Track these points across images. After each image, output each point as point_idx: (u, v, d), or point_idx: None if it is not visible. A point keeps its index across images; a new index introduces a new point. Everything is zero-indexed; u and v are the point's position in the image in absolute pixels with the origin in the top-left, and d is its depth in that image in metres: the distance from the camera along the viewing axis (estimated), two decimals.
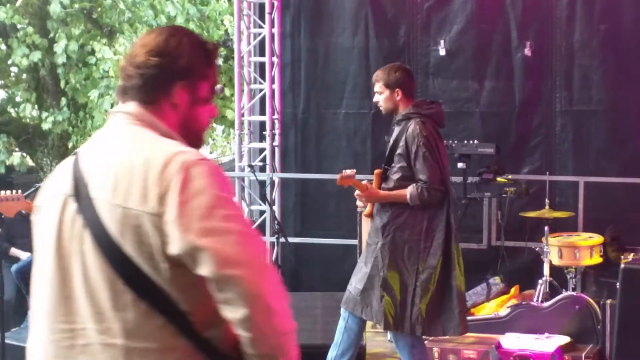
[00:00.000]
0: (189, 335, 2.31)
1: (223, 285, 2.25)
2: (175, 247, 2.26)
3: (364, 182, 5.70)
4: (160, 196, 2.28)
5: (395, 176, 5.62)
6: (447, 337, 6.63)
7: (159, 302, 2.31)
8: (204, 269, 2.25)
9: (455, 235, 5.61)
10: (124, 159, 2.36)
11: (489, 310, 7.62)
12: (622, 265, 3.33)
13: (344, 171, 5.61)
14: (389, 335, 6.94)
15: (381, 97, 5.73)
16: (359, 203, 5.82)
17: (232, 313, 2.27)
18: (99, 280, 2.33)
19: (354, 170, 5.63)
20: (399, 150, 5.58)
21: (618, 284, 3.34)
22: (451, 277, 5.58)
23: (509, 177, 8.12)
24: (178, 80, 2.47)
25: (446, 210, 5.58)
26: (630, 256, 6.50)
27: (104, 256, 2.32)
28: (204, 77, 2.52)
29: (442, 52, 8.79)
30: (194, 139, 2.53)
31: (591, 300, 6.95)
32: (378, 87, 5.74)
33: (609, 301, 6.64)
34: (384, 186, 5.67)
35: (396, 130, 5.70)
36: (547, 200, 7.71)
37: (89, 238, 2.35)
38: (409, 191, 5.51)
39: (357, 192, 5.72)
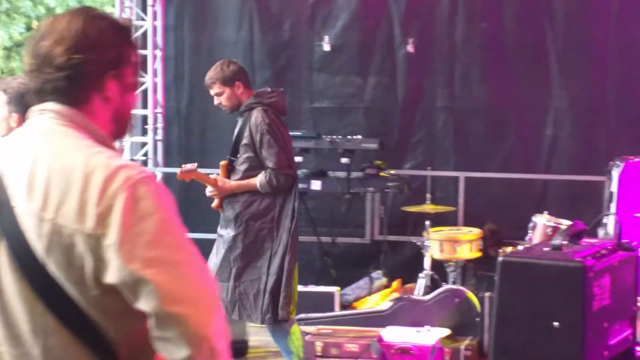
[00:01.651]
0: None
1: (165, 323, 2.02)
2: (113, 276, 2.01)
3: (212, 176, 5.69)
4: (100, 216, 2.02)
5: (242, 167, 5.64)
6: (330, 330, 6.70)
7: (84, 330, 2.07)
8: (146, 304, 2.01)
9: (297, 221, 5.67)
10: (55, 167, 2.08)
11: (371, 304, 7.68)
12: (500, 258, 3.39)
13: (183, 165, 5.61)
14: None
15: (223, 97, 5.70)
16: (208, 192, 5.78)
17: (171, 353, 2.03)
18: (16, 301, 2.08)
19: (195, 164, 5.63)
20: (244, 141, 5.60)
21: (496, 276, 3.40)
22: (293, 261, 5.63)
23: (392, 172, 8.20)
24: (108, 71, 2.20)
25: (293, 196, 5.63)
26: (509, 250, 6.65)
27: (23, 274, 2.07)
28: (129, 61, 2.26)
29: (327, 47, 8.81)
30: (122, 129, 2.29)
31: (470, 293, 7.07)
32: (216, 88, 5.68)
33: (487, 294, 6.79)
34: (233, 178, 5.68)
35: (240, 121, 5.71)
36: (428, 195, 7.81)
37: (5, 251, 2.09)
38: (258, 179, 5.54)
39: (208, 187, 5.71)
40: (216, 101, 5.76)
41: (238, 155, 5.68)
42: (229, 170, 5.72)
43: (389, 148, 8.47)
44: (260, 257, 5.58)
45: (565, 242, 3.56)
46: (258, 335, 7.21)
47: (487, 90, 8.72)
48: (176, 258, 2.05)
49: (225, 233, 5.67)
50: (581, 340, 3.27)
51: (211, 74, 5.71)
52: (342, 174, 8.03)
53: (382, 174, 8.08)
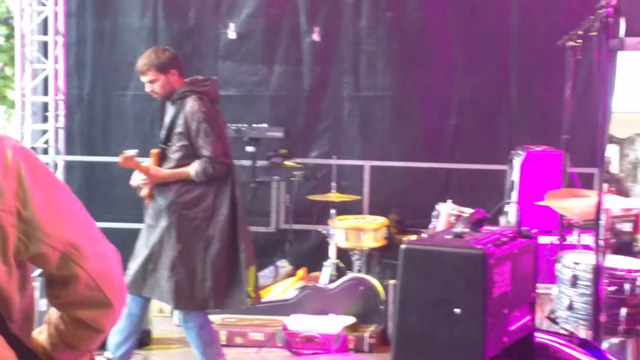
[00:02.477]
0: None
1: (92, 282, 2.10)
2: (35, 248, 2.01)
3: (143, 164, 5.57)
4: (8, 189, 1.96)
5: (176, 155, 5.54)
6: (235, 319, 6.65)
7: None
8: (68, 269, 2.06)
9: (242, 207, 5.60)
10: None
11: (276, 292, 7.68)
12: (402, 246, 3.41)
13: (125, 152, 5.47)
14: (175, 319, 6.88)
15: (157, 84, 5.58)
16: (132, 183, 5.67)
17: (97, 308, 2.14)
18: None
19: (136, 151, 5.50)
20: (178, 129, 5.50)
21: (398, 264, 3.41)
22: (239, 250, 5.56)
23: (298, 160, 8.20)
24: None
25: (231, 184, 5.56)
26: (413, 237, 6.71)
27: None
28: None
29: (232, 35, 8.76)
30: None
31: (375, 281, 7.13)
32: (150, 75, 5.55)
33: (392, 282, 6.85)
34: (165, 166, 5.58)
35: (172, 109, 5.61)
36: (334, 184, 7.84)
37: None
38: (193, 168, 5.46)
39: (137, 175, 5.59)
40: (148, 88, 5.63)
41: (170, 143, 5.57)
42: (161, 159, 5.60)
43: (295, 137, 8.48)
44: (196, 246, 5.49)
45: (466, 230, 3.58)
46: (162, 325, 7.16)
47: (392, 79, 8.78)
48: (85, 220, 2.11)
49: (157, 223, 5.56)
50: (482, 326, 3.30)
51: (145, 61, 5.57)
52: (247, 163, 8.01)
53: (287, 162, 8.09)
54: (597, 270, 4.44)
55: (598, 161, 4.61)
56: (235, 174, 5.63)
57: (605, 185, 5.04)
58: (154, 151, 5.62)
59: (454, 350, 3.36)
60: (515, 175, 7.13)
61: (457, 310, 3.33)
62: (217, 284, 5.49)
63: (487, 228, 3.73)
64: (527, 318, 3.71)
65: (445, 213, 6.95)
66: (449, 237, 3.58)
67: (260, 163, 8.12)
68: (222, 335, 6.71)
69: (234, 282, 5.55)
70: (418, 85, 8.73)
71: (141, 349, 6.49)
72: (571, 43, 5.70)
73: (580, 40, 5.62)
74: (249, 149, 8.02)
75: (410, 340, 3.43)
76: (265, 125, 8.23)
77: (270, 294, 7.66)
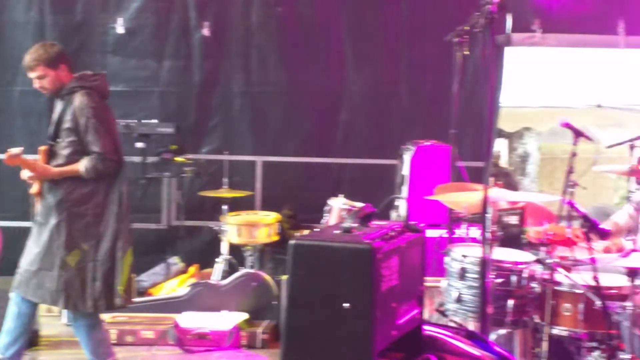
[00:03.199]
0: None
1: None
2: None
3: (31, 161, 5.42)
4: None
5: (65, 151, 5.41)
6: (126, 318, 6.57)
7: None
8: None
9: (126, 206, 5.51)
10: None
11: (168, 290, 7.61)
12: (291, 242, 3.41)
13: (10, 150, 5.33)
14: (64, 318, 6.76)
15: (45, 80, 5.45)
16: (23, 177, 5.53)
17: None
18: None
19: (22, 148, 5.36)
20: (67, 125, 5.38)
21: (287, 259, 3.41)
22: (116, 249, 5.46)
23: (189, 156, 8.14)
24: None
25: (119, 181, 5.46)
26: (305, 233, 6.72)
27: None
28: None
29: (121, 30, 8.63)
30: None
31: (268, 277, 7.12)
32: (39, 71, 5.40)
33: (284, 277, 6.84)
34: (54, 163, 5.45)
35: (60, 104, 5.48)
36: (225, 180, 7.80)
37: None
38: (83, 164, 5.34)
39: (26, 172, 5.45)
40: (37, 84, 5.47)
41: (58, 140, 5.43)
42: (50, 156, 5.46)
43: (186, 132, 8.40)
44: (86, 244, 5.37)
45: (355, 225, 3.60)
46: (50, 325, 7.02)
47: (283, 74, 8.77)
48: None
49: (47, 221, 5.41)
50: (370, 320, 3.32)
51: (33, 56, 5.42)
52: (137, 159, 7.90)
53: (178, 158, 8.01)
54: (484, 263, 4.52)
55: (483, 155, 4.66)
56: (124, 170, 5.53)
57: (491, 179, 5.13)
58: (42, 148, 5.48)
59: (343, 344, 3.37)
60: (405, 170, 7.20)
61: (346, 305, 3.35)
62: (107, 284, 5.40)
63: (376, 223, 3.76)
64: (416, 311, 3.74)
65: (337, 208, 6.98)
66: (337, 232, 3.59)
67: (151, 159, 8.03)
68: (113, 334, 6.61)
69: (112, 282, 5.46)
70: (309, 80, 8.74)
71: (29, 349, 6.35)
72: (458, 39, 5.78)
73: (467, 36, 5.70)
74: (139, 145, 7.92)
75: (300, 335, 3.43)
76: (155, 121, 8.13)
77: (162, 292, 7.59)
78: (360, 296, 3.35)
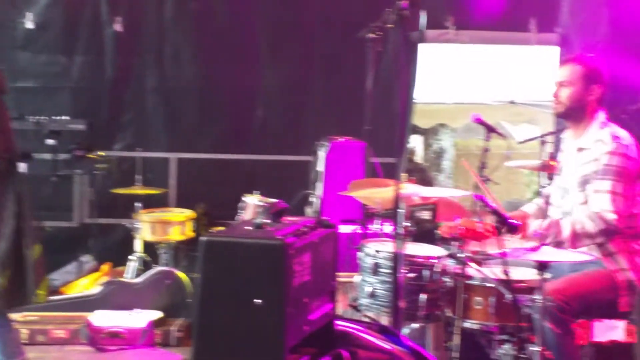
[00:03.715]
0: None
1: None
2: None
3: None
4: None
5: None
6: (37, 317, 6.45)
7: None
8: None
9: (29, 205, 5.38)
10: None
11: (80, 288, 7.50)
12: (202, 238, 3.38)
13: None
14: None
15: None
16: None
17: None
18: None
19: None
20: None
21: (199, 256, 3.38)
22: (26, 247, 5.35)
23: (101, 153, 8.03)
24: None
25: (15, 180, 5.32)
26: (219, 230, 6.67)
27: None
28: None
29: (30, 25, 8.47)
30: None
31: (182, 275, 7.07)
32: None
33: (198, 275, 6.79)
34: None
35: None
36: (139, 177, 7.72)
37: None
38: None
39: None
40: None
41: None
42: None
43: (98, 129, 8.29)
44: None
45: (267, 221, 3.59)
46: None
47: (198, 70, 8.72)
48: None
49: None
50: (282, 316, 3.31)
51: None
52: (48, 156, 7.78)
53: (90, 155, 7.90)
54: (396, 258, 4.54)
55: (397, 151, 4.69)
56: (17, 168, 5.37)
57: (404, 175, 5.15)
58: None
59: (255, 340, 3.36)
60: (320, 166, 7.21)
61: (258, 302, 3.33)
62: (12, 283, 5.28)
63: (289, 219, 3.75)
64: (328, 307, 3.74)
65: (252, 205, 6.95)
66: (249, 228, 3.57)
67: (62, 156, 7.90)
68: (24, 333, 6.50)
69: (20, 281, 5.34)
70: (224, 76, 8.69)
71: None
72: (371, 35, 5.78)
73: (381, 33, 5.71)
74: (50, 142, 7.79)
75: (211, 332, 3.41)
76: (66, 117, 8.01)
77: (74, 290, 7.48)
78: (272, 292, 3.34)
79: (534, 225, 4.96)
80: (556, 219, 5.03)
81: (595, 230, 4.85)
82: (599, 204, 4.88)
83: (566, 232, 4.87)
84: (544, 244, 4.48)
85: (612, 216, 4.83)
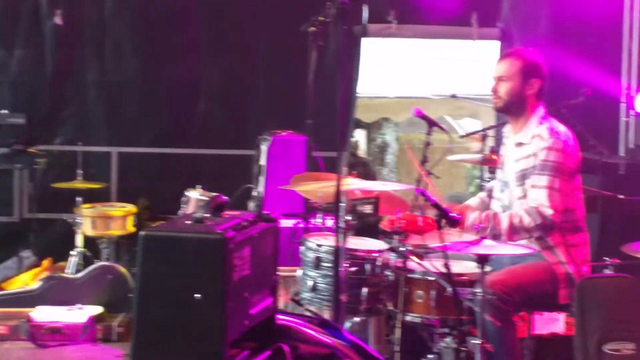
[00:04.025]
0: None
1: None
2: None
3: None
4: None
5: None
6: None
7: None
8: None
9: None
10: None
11: (20, 284, 7.41)
12: (141, 233, 3.35)
13: None
14: None
15: None
16: None
17: None
18: None
19: None
20: None
21: (137, 251, 3.36)
22: None
23: (41, 147, 7.95)
24: None
25: None
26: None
27: None
28: None
29: None
30: None
31: (124, 270, 7.01)
32: None
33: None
34: None
35: None
36: (80, 171, 7.65)
37: None
38: None
39: None
40: None
41: None
42: None
43: (38, 123, 8.19)
44: None
45: (207, 215, 3.57)
46: None
47: (139, 64, 8.65)
48: None
49: None
50: (222, 311, 3.30)
51: None
52: None
53: (30, 149, 7.81)
54: (337, 252, 4.55)
55: (338, 145, 4.70)
56: None
57: (345, 169, 5.16)
58: None
59: (195, 335, 3.34)
60: (262, 160, 7.19)
61: (197, 296, 3.32)
62: None
63: (229, 213, 3.73)
64: (269, 301, 3.74)
65: (195, 199, 6.91)
66: (189, 222, 3.55)
67: (2, 150, 7.82)
68: None
69: None
70: (166, 70, 8.64)
71: None
72: (313, 29, 5.78)
73: (322, 27, 5.71)
74: None
75: (151, 327, 3.39)
76: (5, 111, 7.92)
77: (14, 286, 7.39)
78: (211, 287, 3.33)
79: (472, 217, 5.00)
80: (494, 212, 5.07)
81: (532, 224, 4.90)
82: (536, 199, 4.93)
83: (504, 225, 4.92)
84: (483, 237, 4.51)
85: (549, 211, 4.88)
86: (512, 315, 4.87)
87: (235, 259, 3.39)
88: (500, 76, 5.18)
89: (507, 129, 5.40)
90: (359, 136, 12.77)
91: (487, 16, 8.83)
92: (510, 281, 4.85)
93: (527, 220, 4.89)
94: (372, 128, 16.06)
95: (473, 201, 5.58)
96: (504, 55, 5.35)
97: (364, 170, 9.77)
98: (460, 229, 4.92)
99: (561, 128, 5.10)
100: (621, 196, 6.89)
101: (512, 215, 4.95)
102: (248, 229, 3.57)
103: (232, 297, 3.35)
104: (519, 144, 5.15)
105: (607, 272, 5.62)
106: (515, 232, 4.91)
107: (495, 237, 4.86)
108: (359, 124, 12.53)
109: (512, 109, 5.20)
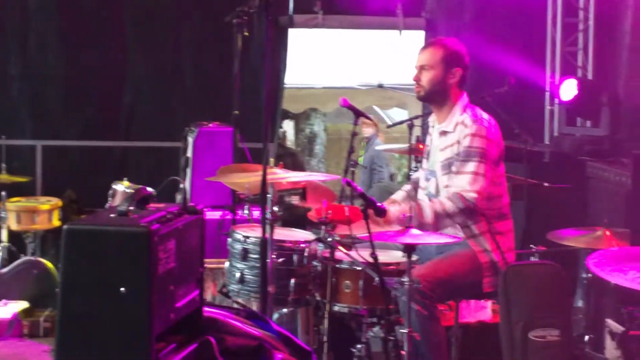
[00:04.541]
0: None
1: None
2: None
3: None
4: None
5: None
6: None
7: None
8: None
9: None
10: None
11: None
12: (64, 227, 3.31)
13: None
14: None
15: None
16: None
17: None
18: None
19: None
20: None
21: (61, 245, 3.31)
22: None
23: None
24: None
25: None
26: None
27: None
28: None
29: None
30: None
31: (50, 264, 6.94)
32: None
33: None
34: None
35: None
36: (3, 165, 7.54)
37: None
38: None
39: None
40: None
41: None
42: None
43: None
44: None
45: (131, 208, 3.53)
46: None
47: (63, 56, 8.57)
48: None
49: None
50: (147, 304, 3.27)
51: None
52: None
53: None
54: (264, 243, 4.54)
55: (264, 136, 4.69)
56: None
57: (271, 160, 5.16)
58: None
59: (120, 329, 3.31)
60: (189, 152, 7.16)
61: (122, 290, 3.29)
62: None
63: (154, 205, 3.70)
64: (195, 293, 3.71)
65: (121, 192, 6.85)
66: (113, 215, 3.51)
67: None
68: None
69: None
70: (90, 62, 8.58)
71: None
72: (237, 20, 5.76)
73: (247, 18, 5.69)
74: None
75: (75, 322, 3.34)
76: None
77: None
78: (136, 280, 3.30)
79: (397, 209, 5.01)
80: (417, 202, 5.08)
81: (454, 209, 4.91)
82: (459, 185, 4.96)
83: (428, 214, 4.92)
84: (409, 227, 4.54)
85: (471, 195, 4.89)
86: (437, 306, 4.89)
87: (160, 252, 3.36)
88: (422, 65, 5.19)
89: (431, 119, 5.42)
90: (287, 127, 12.77)
91: (412, 6, 8.88)
92: (434, 275, 4.84)
93: (449, 206, 4.90)
94: (300, 119, 16.10)
95: (398, 195, 5.59)
96: (426, 45, 5.37)
97: (293, 160, 9.77)
98: (386, 222, 4.94)
99: (484, 115, 5.14)
100: (546, 184, 6.98)
101: (434, 203, 4.96)
102: (173, 222, 3.54)
103: (157, 291, 3.32)
104: (444, 133, 5.18)
105: (533, 259, 5.69)
106: (439, 220, 4.93)
107: (422, 227, 4.88)
108: (287, 115, 12.54)
109: (435, 97, 5.23)
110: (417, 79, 5.21)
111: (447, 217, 4.93)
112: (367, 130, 10.50)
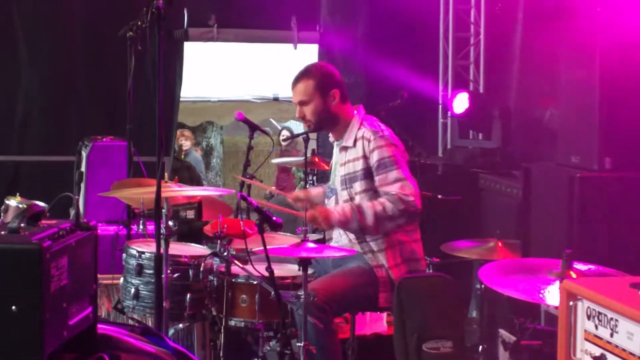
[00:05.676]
0: None
1: None
2: None
3: None
4: None
5: None
6: None
7: None
8: None
9: None
10: None
11: None
12: None
13: None
14: None
15: None
16: None
17: None
18: None
19: None
20: None
21: None
22: None
23: None
24: None
25: None
26: None
27: None
28: None
29: None
30: None
31: None
32: None
33: None
34: None
35: None
36: None
37: None
38: None
39: None
40: None
41: None
42: None
43: None
44: None
45: (22, 225, 3.47)
46: None
47: None
48: None
49: None
50: (39, 322, 3.21)
51: None
52: None
53: None
54: (159, 259, 4.52)
55: (159, 150, 4.66)
56: None
57: (166, 174, 5.13)
58: None
59: (11, 348, 3.25)
60: (83, 167, 7.07)
61: (13, 308, 3.23)
62: None
63: (46, 222, 3.64)
64: (88, 310, 3.66)
65: (14, 207, 6.72)
66: (4, 233, 3.45)
67: None
68: None
69: None
70: None
71: None
72: (131, 34, 5.72)
73: (140, 31, 5.65)
74: None
75: None
76: None
77: None
78: (28, 298, 3.24)
79: (338, 211, 4.98)
80: (357, 204, 5.02)
81: (395, 211, 4.89)
82: (394, 191, 4.95)
83: (369, 215, 4.92)
84: (348, 229, 4.52)
85: (410, 197, 4.90)
86: (333, 319, 4.91)
87: (52, 269, 3.31)
88: (300, 101, 5.18)
89: (331, 137, 5.42)
90: (184, 140, 12.69)
91: (306, 20, 8.94)
92: (330, 288, 4.84)
93: (390, 207, 4.87)
94: (196, 132, 16.03)
95: (315, 190, 5.61)
96: (295, 80, 5.27)
97: (189, 174, 9.72)
98: (325, 226, 4.95)
99: (381, 125, 5.16)
100: (440, 196, 7.07)
101: (374, 204, 4.93)
102: (65, 238, 3.49)
103: (49, 308, 3.27)
104: (344, 148, 5.18)
105: (427, 271, 5.75)
106: (380, 221, 4.92)
107: (362, 229, 4.89)
108: (184, 128, 12.47)
109: (326, 124, 5.23)
110: (302, 116, 5.20)
111: (388, 219, 4.91)
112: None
